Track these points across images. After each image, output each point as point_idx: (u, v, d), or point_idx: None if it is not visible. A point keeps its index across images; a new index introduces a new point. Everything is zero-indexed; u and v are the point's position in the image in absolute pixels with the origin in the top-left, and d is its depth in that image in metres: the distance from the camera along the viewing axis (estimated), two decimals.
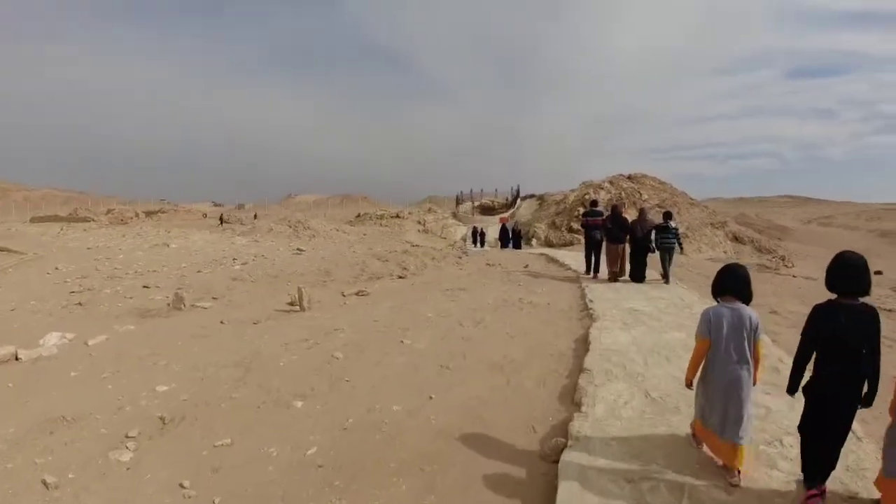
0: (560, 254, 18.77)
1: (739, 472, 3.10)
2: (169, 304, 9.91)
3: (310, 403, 4.77)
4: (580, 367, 5.08)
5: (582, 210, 12.44)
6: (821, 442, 2.87)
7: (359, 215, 56.05)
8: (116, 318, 9.12)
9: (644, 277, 10.22)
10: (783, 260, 35.30)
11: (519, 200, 53.45)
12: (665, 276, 10.14)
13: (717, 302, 3.31)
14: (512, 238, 28.35)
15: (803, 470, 2.95)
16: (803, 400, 2.99)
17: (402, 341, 6.23)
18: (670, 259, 10.12)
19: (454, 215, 54.21)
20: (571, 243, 30.03)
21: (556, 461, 3.40)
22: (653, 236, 10.02)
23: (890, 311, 11.20)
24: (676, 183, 45.37)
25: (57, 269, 14.83)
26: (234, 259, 15.42)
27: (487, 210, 55.35)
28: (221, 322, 8.56)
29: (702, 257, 30.47)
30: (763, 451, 3.42)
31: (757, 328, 3.15)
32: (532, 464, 3.50)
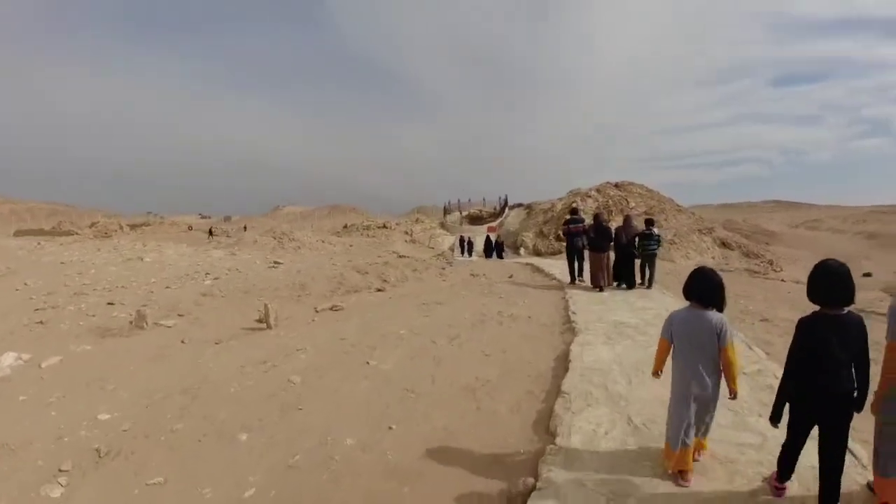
0: (546, 263, 18.37)
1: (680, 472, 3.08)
2: (131, 323, 9.39)
3: (255, 436, 4.27)
4: (558, 389, 4.62)
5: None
6: (800, 445, 2.84)
7: (346, 226, 55.50)
8: (76, 337, 8.61)
9: (634, 283, 10.25)
10: (771, 264, 35.20)
11: (507, 210, 53.18)
12: (648, 282, 10.19)
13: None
14: (494, 249, 28.33)
15: (780, 465, 2.92)
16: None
17: (367, 362, 5.74)
18: (652, 265, 10.20)
19: (442, 225, 53.81)
20: (559, 252, 29.62)
21: None
22: (636, 243, 10.12)
23: (881, 314, 10.89)
24: (664, 190, 45.36)
25: (26, 284, 14.17)
26: (206, 273, 14.82)
27: (475, 220, 55.00)
28: (182, 342, 8.10)
29: (690, 264, 30.22)
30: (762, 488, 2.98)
31: (723, 334, 3.00)
32: None
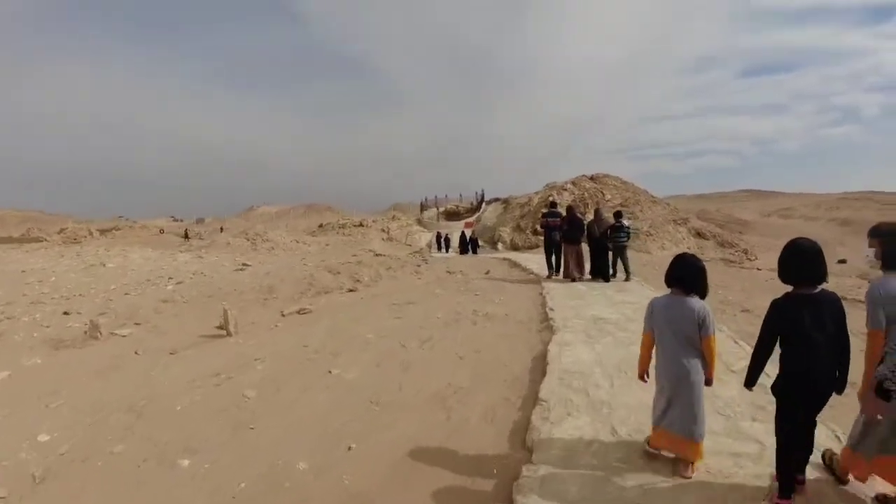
0: (524, 257, 18.08)
1: (693, 464, 2.99)
2: (86, 333, 8.79)
3: (200, 461, 3.79)
4: (536, 396, 4.24)
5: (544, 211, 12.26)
6: (799, 445, 2.75)
7: (321, 225, 54.62)
8: (30, 349, 8.01)
9: (609, 274, 10.37)
10: (746, 253, 35.56)
11: (484, 205, 52.93)
12: (626, 274, 10.38)
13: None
14: (469, 244, 28.16)
15: (778, 473, 2.76)
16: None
17: (329, 371, 5.28)
18: (624, 256, 10.44)
19: (419, 222, 53.33)
20: (537, 246, 29.43)
21: None
22: (608, 235, 10.33)
23: (859, 301, 10.81)
24: (638, 182, 45.61)
25: None
26: (169, 278, 14.15)
27: (452, 215, 54.64)
28: (136, 353, 7.55)
29: (666, 254, 30.32)
30: None
31: (705, 322, 2.95)
32: None
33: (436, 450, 3.60)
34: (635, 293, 8.78)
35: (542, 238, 12.03)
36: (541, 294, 9.00)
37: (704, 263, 3.09)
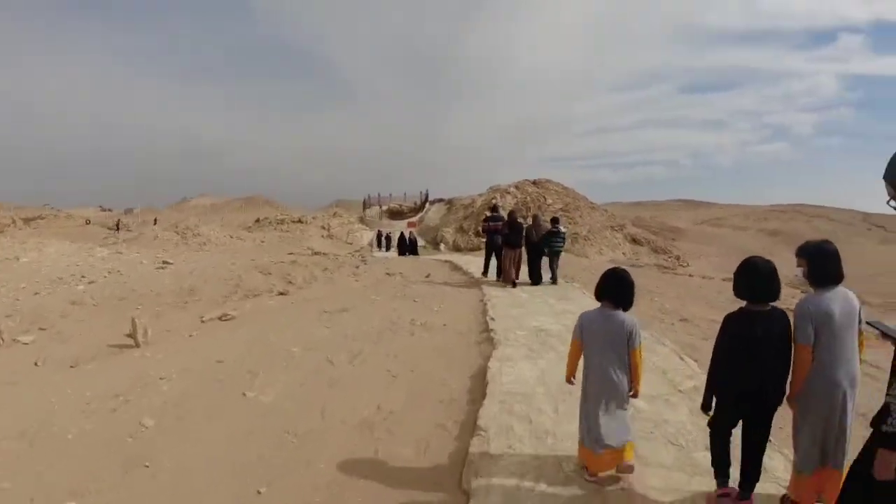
0: (465, 259, 17.79)
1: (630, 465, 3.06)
2: None
3: None
4: (474, 422, 3.83)
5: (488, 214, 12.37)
6: (727, 441, 2.84)
7: (258, 220, 52.47)
8: None
9: (541, 279, 10.73)
10: (678, 259, 37.01)
11: (428, 205, 52.54)
12: (554, 277, 10.80)
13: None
14: (409, 245, 27.61)
15: (715, 466, 2.86)
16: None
17: (244, 393, 4.66)
18: (557, 261, 10.93)
19: (361, 220, 52.26)
20: (479, 248, 29.29)
21: None
22: (545, 240, 10.63)
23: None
24: (578, 188, 46.60)
25: None
26: (82, 276, 12.79)
27: (396, 214, 53.90)
28: (35, 364, 6.64)
29: (603, 259, 31.00)
30: None
31: (632, 335, 3.02)
32: None
33: (358, 492, 3.11)
34: (576, 301, 8.61)
35: (485, 241, 12.14)
36: (482, 301, 8.67)
37: (634, 272, 3.37)
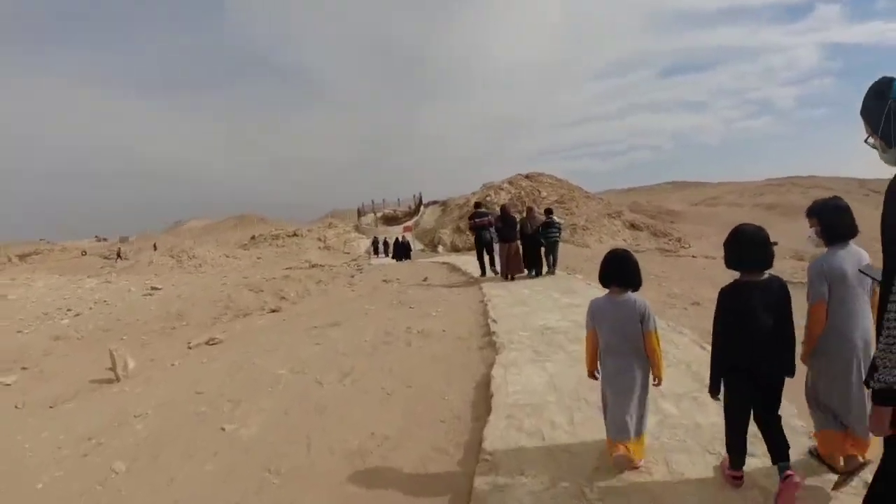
0: (463, 260, 17.31)
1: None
2: None
3: None
4: (479, 443, 3.36)
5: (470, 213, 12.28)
6: (744, 422, 2.64)
7: (253, 237, 52.02)
8: None
9: (541, 271, 10.71)
10: (679, 241, 36.53)
11: (423, 208, 52.14)
12: (552, 267, 10.76)
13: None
14: (402, 250, 27.21)
15: (729, 450, 2.68)
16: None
17: (222, 428, 4.18)
18: (555, 251, 10.86)
19: (357, 228, 51.85)
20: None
21: None
22: (541, 231, 10.59)
23: (799, 282, 10.72)
24: (571, 179, 46.16)
25: None
26: (68, 310, 12.30)
27: (391, 220, 53.50)
28: (16, 406, 6.23)
29: (604, 247, 30.52)
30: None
31: (646, 318, 2.85)
32: None
33: None
34: (581, 294, 8.14)
35: (474, 239, 12.01)
36: (482, 302, 8.19)
37: (638, 258, 2.94)
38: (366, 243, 41.94)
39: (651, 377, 2.92)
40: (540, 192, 40.29)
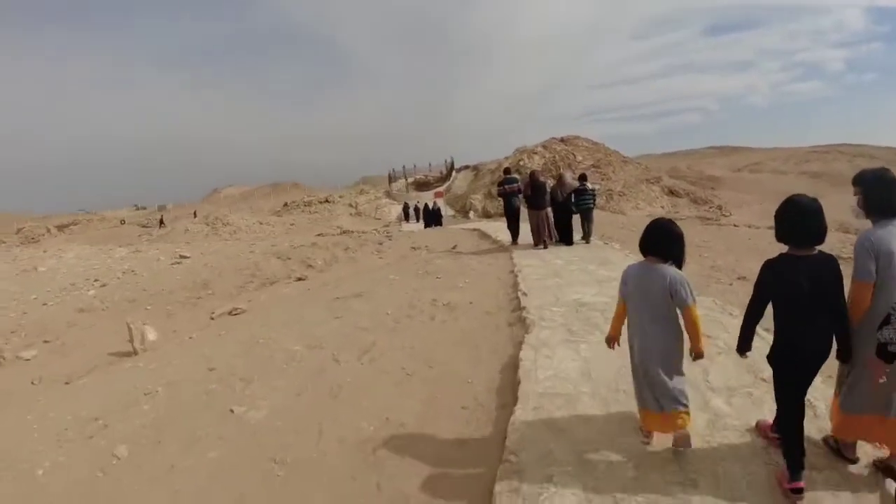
0: (494, 227, 16.82)
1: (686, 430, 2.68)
2: None
3: None
4: (503, 440, 2.99)
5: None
6: (801, 417, 2.46)
7: (286, 204, 52.46)
8: None
9: (572, 239, 10.37)
10: (720, 209, 35.03)
11: (454, 173, 51.42)
12: (587, 236, 10.41)
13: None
14: (433, 216, 26.56)
15: (785, 451, 2.45)
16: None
17: (231, 410, 3.94)
18: (590, 220, 10.45)
19: (388, 194, 51.63)
20: None
21: None
22: (573, 199, 10.17)
23: (848, 258, 9.90)
24: (608, 143, 44.49)
25: None
26: (95, 280, 12.38)
27: (422, 186, 53.03)
28: (33, 383, 6.21)
29: (641, 214, 29.48)
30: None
31: (678, 292, 2.64)
32: None
33: None
34: (619, 266, 7.56)
35: (503, 206, 11.60)
36: (512, 272, 7.76)
37: (681, 228, 2.80)
38: (397, 209, 41.72)
39: (687, 350, 2.75)
40: (575, 157, 39.07)
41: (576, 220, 10.52)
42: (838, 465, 2.53)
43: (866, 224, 2.55)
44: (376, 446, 3.20)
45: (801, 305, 2.39)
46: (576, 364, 3.87)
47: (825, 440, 2.69)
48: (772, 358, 2.55)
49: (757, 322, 2.58)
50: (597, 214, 11.64)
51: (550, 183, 10.89)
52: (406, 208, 35.85)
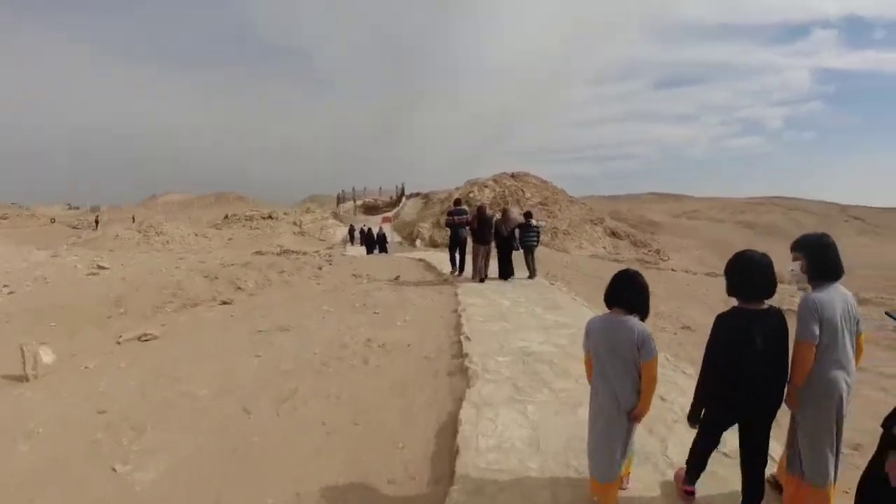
0: (441, 258, 16.42)
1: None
2: None
3: None
4: None
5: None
6: (714, 446, 2.68)
7: (226, 217, 50.37)
8: None
9: (512, 274, 10.23)
10: (658, 253, 36.25)
11: (404, 199, 51.08)
12: (531, 273, 10.32)
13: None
14: (378, 242, 25.99)
15: (690, 465, 2.69)
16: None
17: (114, 468, 3.25)
18: (532, 256, 10.39)
19: (335, 215, 50.56)
20: None
21: None
22: (517, 234, 10.09)
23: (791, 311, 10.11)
24: (555, 182, 45.60)
25: None
26: (4, 286, 11.05)
27: (371, 209, 52.30)
28: None
29: (584, 254, 29.98)
30: None
31: (645, 344, 2.56)
32: None
33: None
34: (568, 310, 7.33)
35: (449, 236, 11.51)
36: (455, 311, 7.33)
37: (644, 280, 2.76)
38: (343, 231, 40.82)
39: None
40: (524, 193, 39.65)
41: (518, 256, 10.45)
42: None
43: (805, 287, 2.61)
44: None
45: (752, 357, 2.40)
46: (523, 432, 3.42)
47: (771, 478, 2.77)
48: (715, 400, 2.55)
49: (712, 389, 2.53)
50: (542, 252, 11.61)
51: (498, 216, 10.80)
52: (352, 230, 35.09)
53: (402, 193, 52.47)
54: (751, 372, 2.41)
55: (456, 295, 8.62)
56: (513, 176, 43.31)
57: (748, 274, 2.48)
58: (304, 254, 20.64)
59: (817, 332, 2.39)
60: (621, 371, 2.61)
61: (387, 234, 28.69)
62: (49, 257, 15.95)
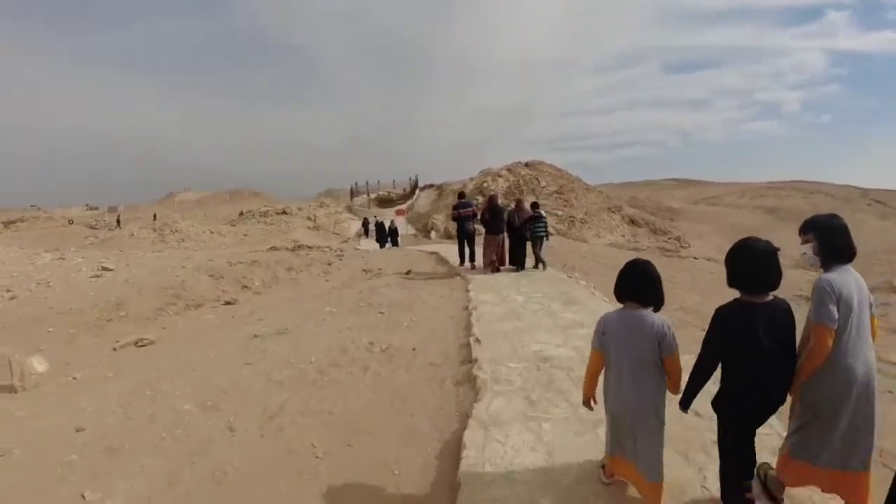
0: (454, 250, 15.99)
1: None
2: None
3: None
4: None
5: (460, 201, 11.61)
6: (749, 464, 2.40)
7: (241, 213, 50.50)
8: None
9: (524, 264, 10.18)
10: (679, 240, 35.31)
11: (418, 191, 50.68)
12: (541, 263, 10.24)
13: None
14: (389, 235, 25.60)
15: (725, 499, 2.42)
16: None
17: (83, 495, 2.90)
18: (541, 246, 10.30)
19: (349, 209, 50.36)
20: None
21: None
22: (528, 226, 10.08)
23: (805, 297, 9.47)
24: (570, 170, 44.73)
25: None
26: (7, 291, 10.89)
27: (385, 202, 51.99)
28: None
29: (602, 242, 29.26)
30: None
31: (665, 338, 2.41)
32: None
33: None
34: (586, 306, 6.84)
35: (478, 227, 11.12)
36: (466, 309, 6.89)
37: (656, 269, 2.56)
38: (357, 225, 40.59)
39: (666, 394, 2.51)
40: (539, 182, 38.94)
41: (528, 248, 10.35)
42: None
43: (818, 271, 2.46)
44: None
45: (757, 357, 2.25)
46: (536, 458, 2.96)
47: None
48: (718, 405, 2.42)
49: (708, 377, 2.39)
50: (559, 241, 11.20)
51: (511, 206, 10.63)
52: (366, 223, 34.81)
53: (416, 186, 52.07)
54: (753, 370, 2.27)
55: (467, 291, 8.18)
56: (527, 165, 42.59)
57: (750, 265, 2.30)
58: (317, 249, 20.34)
59: (836, 314, 2.23)
60: (643, 364, 2.45)
61: (399, 228, 28.34)
62: (56, 259, 15.86)
